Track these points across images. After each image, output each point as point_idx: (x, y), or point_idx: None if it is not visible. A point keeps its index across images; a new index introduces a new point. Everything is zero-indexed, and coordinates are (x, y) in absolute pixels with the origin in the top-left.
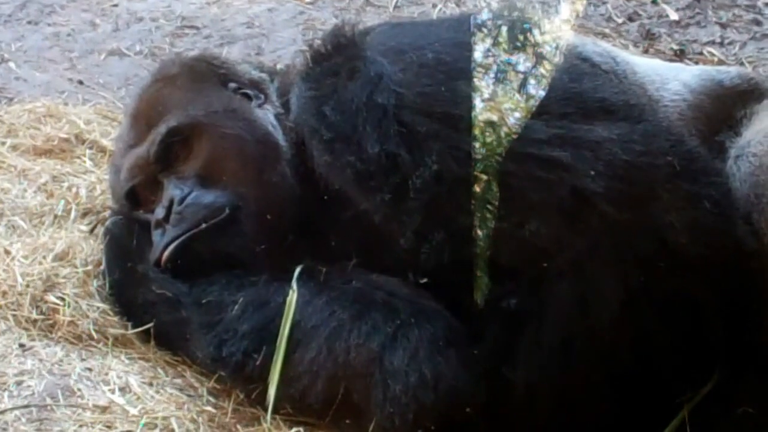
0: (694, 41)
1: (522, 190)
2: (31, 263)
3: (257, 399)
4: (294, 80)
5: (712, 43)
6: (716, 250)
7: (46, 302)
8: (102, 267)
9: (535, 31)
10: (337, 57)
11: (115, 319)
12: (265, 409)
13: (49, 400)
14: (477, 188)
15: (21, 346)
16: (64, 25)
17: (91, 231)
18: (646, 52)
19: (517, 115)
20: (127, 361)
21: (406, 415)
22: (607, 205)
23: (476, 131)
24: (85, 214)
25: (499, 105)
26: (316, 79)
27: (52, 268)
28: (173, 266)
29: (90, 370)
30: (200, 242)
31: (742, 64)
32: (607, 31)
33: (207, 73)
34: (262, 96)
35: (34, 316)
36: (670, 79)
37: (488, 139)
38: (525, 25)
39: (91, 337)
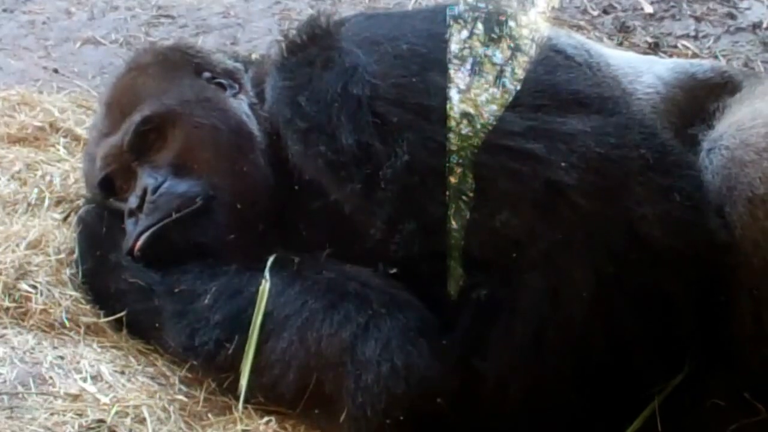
0: (669, 34)
1: (495, 182)
2: (4, 251)
3: (229, 388)
4: (269, 70)
5: (687, 36)
6: (688, 243)
7: (18, 290)
8: (75, 255)
9: (510, 23)
10: (312, 47)
11: (88, 307)
12: (237, 399)
13: (20, 388)
14: (449, 179)
15: None
16: (40, 13)
17: (65, 219)
18: (620, 44)
19: (490, 106)
20: (99, 350)
21: (378, 404)
22: (580, 197)
23: (450, 122)
24: (58, 203)
25: (473, 96)
26: (290, 70)
27: (25, 256)
28: (146, 255)
29: (62, 358)
30: (173, 231)
31: (716, 57)
32: (582, 23)
33: (181, 63)
34: (237, 86)
35: (7, 303)
36: (643, 72)
37: (461, 131)
38: (500, 17)
39: (63, 326)
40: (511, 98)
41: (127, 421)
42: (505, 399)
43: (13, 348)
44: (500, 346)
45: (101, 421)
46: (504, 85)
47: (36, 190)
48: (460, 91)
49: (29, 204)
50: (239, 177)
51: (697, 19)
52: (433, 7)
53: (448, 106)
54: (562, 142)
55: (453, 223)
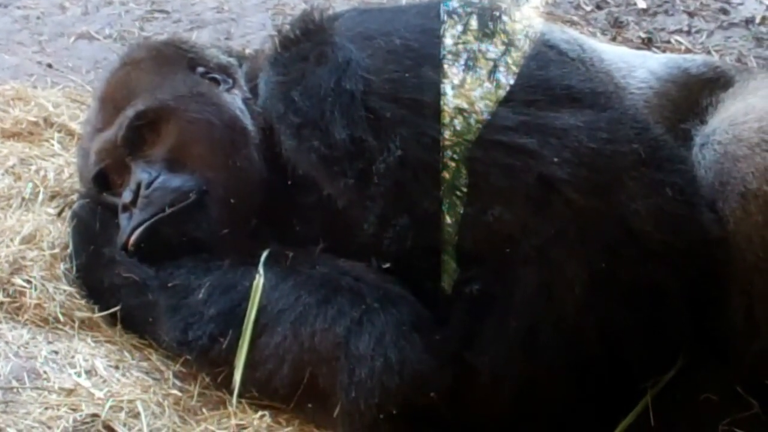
0: (662, 29)
1: (488, 177)
2: None
3: (223, 383)
4: (262, 65)
5: (680, 31)
6: (681, 238)
7: (12, 285)
8: (69, 250)
9: (503, 18)
10: (306, 42)
11: (82, 302)
12: (231, 393)
13: (15, 383)
14: (442, 174)
15: None
16: (34, 8)
17: (59, 214)
18: (613, 39)
19: (483, 101)
20: (93, 344)
21: (371, 399)
22: (572, 192)
23: (443, 117)
24: (52, 197)
25: (466, 91)
26: (284, 65)
27: (19, 251)
28: (140, 250)
29: (56, 352)
30: (167, 226)
31: (708, 52)
32: (575, 18)
33: (175, 58)
34: (231, 81)
35: (1, 298)
36: (636, 67)
37: (454, 126)
38: (493, 12)
39: (57, 320)
40: (504, 93)
41: (122, 415)
42: (498, 393)
43: (7, 342)
44: (494, 341)
45: (95, 415)
46: (497, 80)
47: (30, 185)
48: (453, 87)
49: (23, 199)
50: (233, 172)
51: (690, 15)
52: (427, 2)
53: (441, 102)
54: (555, 136)
55: (446, 217)
